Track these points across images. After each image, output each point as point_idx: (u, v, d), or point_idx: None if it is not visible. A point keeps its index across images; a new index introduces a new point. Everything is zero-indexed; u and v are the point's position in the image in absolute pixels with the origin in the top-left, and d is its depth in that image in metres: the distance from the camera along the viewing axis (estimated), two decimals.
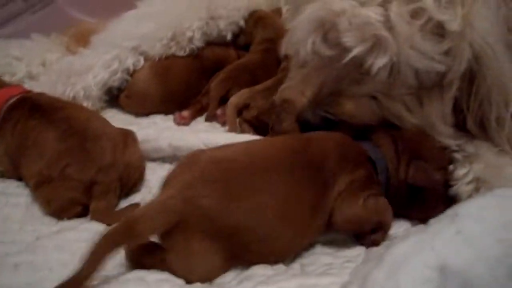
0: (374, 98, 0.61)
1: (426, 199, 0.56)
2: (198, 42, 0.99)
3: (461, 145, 0.59)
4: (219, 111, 0.87)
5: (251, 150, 0.56)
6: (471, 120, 0.59)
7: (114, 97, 0.95)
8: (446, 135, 0.60)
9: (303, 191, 0.51)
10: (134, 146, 0.70)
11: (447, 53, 0.55)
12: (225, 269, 0.50)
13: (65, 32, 1.13)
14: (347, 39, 0.56)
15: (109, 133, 0.67)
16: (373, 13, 0.54)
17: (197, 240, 0.46)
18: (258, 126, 0.78)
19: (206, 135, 0.73)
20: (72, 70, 0.91)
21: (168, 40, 0.94)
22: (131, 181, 0.68)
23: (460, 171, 0.57)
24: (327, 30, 0.59)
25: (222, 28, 1.03)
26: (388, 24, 0.54)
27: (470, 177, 0.56)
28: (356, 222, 0.53)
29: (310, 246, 0.55)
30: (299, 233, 0.51)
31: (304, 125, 0.63)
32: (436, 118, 0.59)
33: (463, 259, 0.34)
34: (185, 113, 0.91)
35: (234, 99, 0.80)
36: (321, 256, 0.52)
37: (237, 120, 0.81)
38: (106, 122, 0.71)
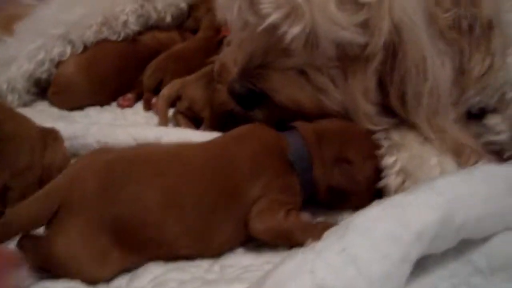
0: (302, 72, 0.58)
1: (353, 199, 0.54)
2: (133, 26, 0.94)
3: (388, 132, 0.58)
4: (154, 100, 0.84)
5: (170, 152, 0.54)
6: (394, 96, 0.57)
7: (44, 89, 0.89)
8: (368, 116, 0.57)
9: (207, 193, 0.50)
10: (56, 145, 0.65)
11: (364, 24, 0.53)
12: (117, 262, 0.47)
13: None
14: (264, 5, 0.54)
15: (24, 133, 0.62)
16: None
17: (81, 223, 0.46)
18: (193, 116, 0.76)
19: (135, 129, 0.69)
20: None
21: (98, 25, 0.89)
22: None
23: (388, 160, 0.56)
24: None
25: (160, 10, 0.98)
26: None
27: (397, 166, 0.55)
28: (280, 235, 0.50)
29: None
30: (197, 231, 0.49)
31: (236, 98, 0.61)
32: (359, 93, 0.57)
33: (344, 280, 0.32)
34: (130, 95, 0.89)
35: (165, 91, 0.78)
36: (242, 258, 0.50)
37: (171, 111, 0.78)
38: (23, 121, 0.66)
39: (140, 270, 0.49)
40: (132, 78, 0.91)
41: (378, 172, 0.56)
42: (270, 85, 0.58)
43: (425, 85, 0.56)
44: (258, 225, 0.50)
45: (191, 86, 0.76)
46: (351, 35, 0.53)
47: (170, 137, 0.66)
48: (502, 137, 0.63)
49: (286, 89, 0.58)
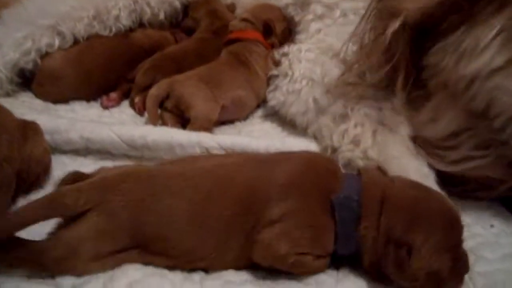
0: None
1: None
2: (125, 21, 0.93)
3: None
4: (136, 99, 0.83)
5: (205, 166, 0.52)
6: None
7: (28, 79, 0.86)
8: None
9: (230, 208, 0.47)
10: (36, 138, 0.63)
11: None
12: (119, 254, 0.46)
13: None
14: None
15: (3, 125, 0.60)
16: None
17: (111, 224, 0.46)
18: (180, 115, 0.75)
19: (120, 128, 0.68)
20: None
21: (90, 19, 0.87)
22: (32, 177, 0.62)
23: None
24: None
25: (153, 6, 0.97)
26: None
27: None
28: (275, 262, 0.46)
29: None
30: (214, 245, 0.47)
31: None
32: None
33: None
34: (113, 94, 0.86)
35: (153, 91, 0.76)
36: (223, 272, 0.48)
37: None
38: (1, 113, 0.64)
39: (117, 273, 0.46)
40: (121, 75, 0.89)
41: (452, 272, 0.45)
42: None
43: None
44: (258, 254, 0.46)
45: (181, 85, 0.75)
46: None
47: (155, 136, 0.65)
48: None
49: None
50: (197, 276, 0.48)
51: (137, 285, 0.45)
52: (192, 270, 0.48)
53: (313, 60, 0.74)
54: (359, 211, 0.46)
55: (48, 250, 0.45)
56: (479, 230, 0.57)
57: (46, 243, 0.46)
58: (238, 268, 0.49)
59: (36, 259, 0.45)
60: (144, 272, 0.46)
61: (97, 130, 0.67)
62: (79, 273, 0.46)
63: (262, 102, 0.85)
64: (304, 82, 0.73)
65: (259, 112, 0.86)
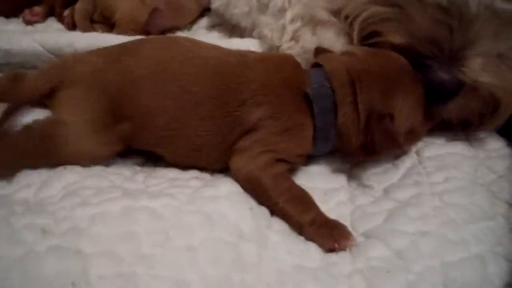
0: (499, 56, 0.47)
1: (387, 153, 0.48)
2: None
3: None
4: (65, 12, 0.75)
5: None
6: None
7: None
8: None
9: (209, 99, 0.44)
10: None
11: None
12: (113, 137, 0.44)
13: None
14: None
15: None
16: None
17: (81, 88, 0.45)
18: (110, 24, 0.71)
19: (42, 35, 0.60)
20: None
21: None
22: None
23: None
24: None
25: None
26: None
27: None
28: (250, 184, 0.43)
29: None
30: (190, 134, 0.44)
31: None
32: None
33: None
34: (38, 8, 0.77)
35: (79, 5, 0.71)
36: (169, 170, 0.46)
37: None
38: None
39: (52, 177, 0.42)
40: None
41: (424, 124, 0.48)
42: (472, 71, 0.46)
43: None
44: (233, 164, 0.43)
45: None
46: None
47: (83, 43, 0.58)
48: None
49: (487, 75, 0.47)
50: (141, 175, 0.45)
51: (72, 187, 0.41)
52: (135, 172, 0.45)
53: None
54: (334, 98, 0.45)
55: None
56: None
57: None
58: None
59: None
60: (80, 175, 0.43)
61: (16, 40, 0.59)
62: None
63: (206, 11, 0.79)
64: None
65: (204, 22, 0.80)
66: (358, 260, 0.38)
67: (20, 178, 0.42)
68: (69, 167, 0.43)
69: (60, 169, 0.43)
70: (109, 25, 0.71)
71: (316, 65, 0.48)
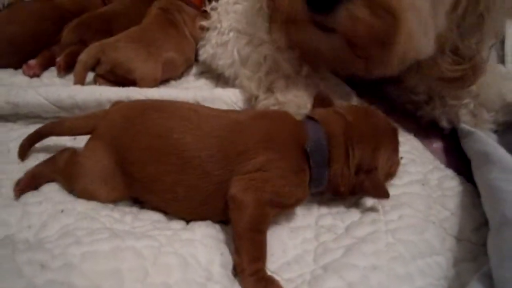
0: None
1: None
2: None
3: None
4: (58, 59, 0.80)
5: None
6: None
7: None
8: None
9: (211, 153, 0.49)
10: None
11: None
12: (120, 187, 0.51)
13: None
14: None
15: None
16: None
17: (102, 142, 0.52)
18: (115, 80, 0.75)
19: (45, 89, 0.67)
20: None
21: None
22: None
23: None
24: None
25: None
26: None
27: None
28: (234, 211, 0.47)
29: None
30: (192, 188, 0.49)
31: None
32: None
33: None
34: (32, 62, 0.83)
35: (83, 57, 0.74)
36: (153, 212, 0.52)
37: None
38: None
39: (50, 220, 0.48)
40: (48, 40, 0.87)
41: (397, 164, 0.57)
42: None
43: None
44: (232, 189, 0.47)
45: (112, 48, 0.74)
46: None
47: (84, 95, 0.65)
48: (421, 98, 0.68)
49: None
50: (129, 217, 0.51)
51: (68, 228, 0.47)
52: (124, 214, 0.51)
53: (240, 12, 0.76)
54: (328, 154, 0.51)
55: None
56: None
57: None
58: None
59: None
60: (75, 218, 0.49)
61: (22, 94, 0.67)
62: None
63: (195, 61, 0.87)
64: (231, 34, 0.74)
65: (193, 70, 0.87)
66: None
67: (22, 221, 0.49)
68: (66, 210, 0.49)
69: (57, 213, 0.49)
70: (113, 81, 0.75)
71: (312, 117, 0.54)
